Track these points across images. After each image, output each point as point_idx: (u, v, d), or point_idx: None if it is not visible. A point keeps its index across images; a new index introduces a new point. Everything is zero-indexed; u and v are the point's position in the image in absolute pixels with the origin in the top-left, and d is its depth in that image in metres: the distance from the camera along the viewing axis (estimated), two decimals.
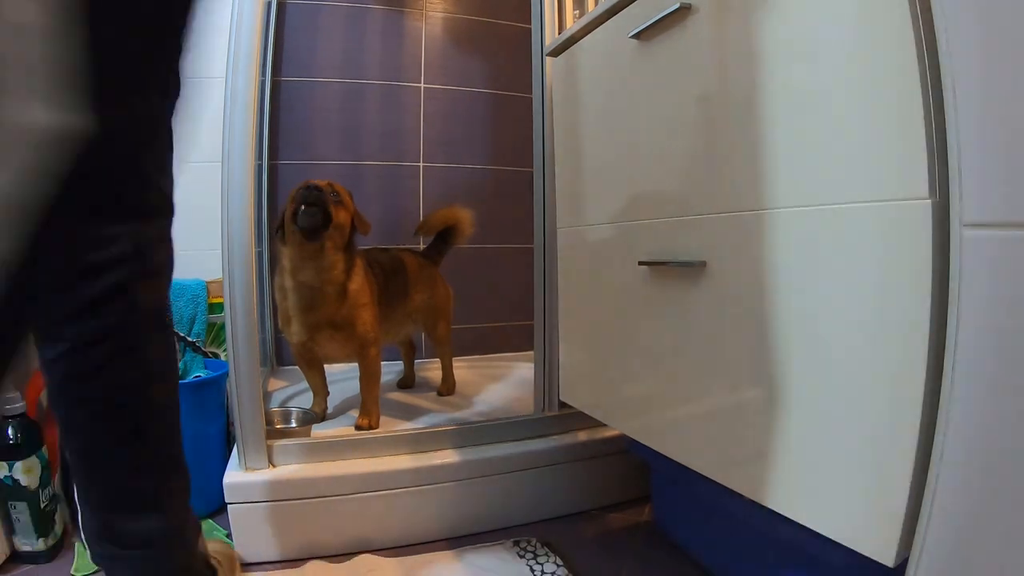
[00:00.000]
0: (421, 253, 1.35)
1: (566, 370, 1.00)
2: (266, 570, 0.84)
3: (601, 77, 0.87)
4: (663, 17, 0.71)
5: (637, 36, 0.77)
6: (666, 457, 0.76)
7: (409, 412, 1.17)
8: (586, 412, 0.93)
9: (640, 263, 0.78)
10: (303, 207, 0.96)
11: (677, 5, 0.67)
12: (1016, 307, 0.39)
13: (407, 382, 1.42)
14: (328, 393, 1.17)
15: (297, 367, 1.17)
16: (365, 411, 1.06)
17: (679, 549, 0.90)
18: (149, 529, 0.60)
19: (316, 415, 1.12)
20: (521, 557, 0.89)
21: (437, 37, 1.68)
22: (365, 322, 1.07)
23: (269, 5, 1.48)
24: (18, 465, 0.80)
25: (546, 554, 0.90)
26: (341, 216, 1.01)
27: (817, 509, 0.54)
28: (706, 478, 0.68)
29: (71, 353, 0.55)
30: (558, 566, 0.86)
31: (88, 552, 0.60)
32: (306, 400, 1.18)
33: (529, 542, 0.93)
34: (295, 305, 1.02)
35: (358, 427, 1.03)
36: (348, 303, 1.04)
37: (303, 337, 1.05)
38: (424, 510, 0.92)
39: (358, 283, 1.06)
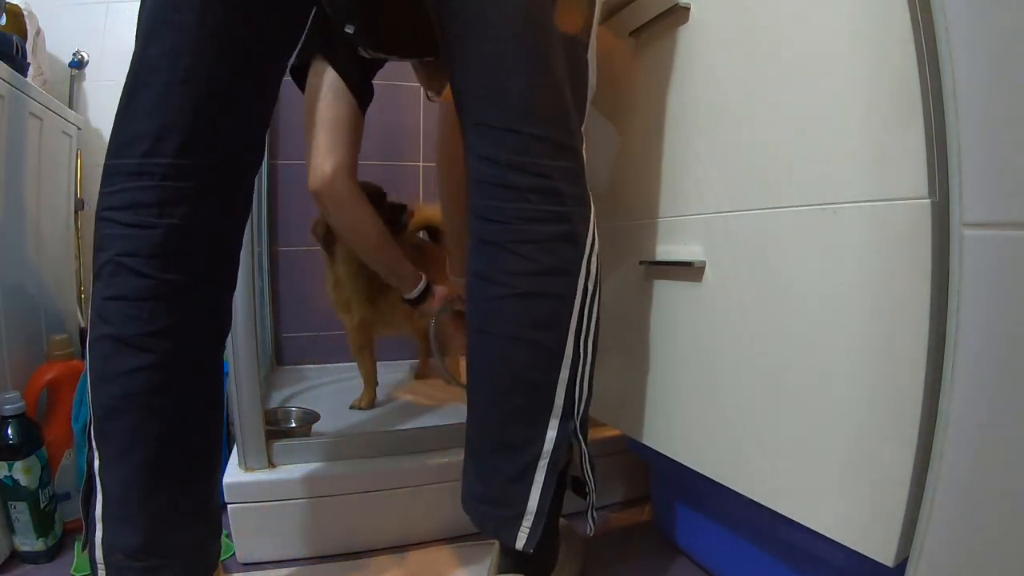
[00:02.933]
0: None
1: None
2: (266, 570, 0.84)
3: (599, 75, 0.87)
4: (660, 16, 0.71)
5: (635, 35, 0.77)
6: (666, 457, 0.76)
7: (409, 412, 1.17)
8: None
9: (640, 262, 0.78)
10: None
11: (673, 4, 0.68)
12: (1015, 307, 0.39)
13: (423, 373, 1.45)
14: (377, 383, 1.18)
15: (339, 362, 1.22)
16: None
17: (679, 549, 0.90)
18: (197, 538, 0.60)
19: (362, 408, 1.12)
20: None
21: None
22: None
23: None
24: (17, 465, 0.80)
25: None
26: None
27: (817, 509, 0.54)
28: (706, 478, 0.68)
29: None
30: None
31: (103, 571, 0.55)
32: (306, 400, 1.18)
33: None
34: (360, 287, 1.05)
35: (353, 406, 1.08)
36: None
37: (366, 312, 1.06)
38: (424, 510, 0.92)
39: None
